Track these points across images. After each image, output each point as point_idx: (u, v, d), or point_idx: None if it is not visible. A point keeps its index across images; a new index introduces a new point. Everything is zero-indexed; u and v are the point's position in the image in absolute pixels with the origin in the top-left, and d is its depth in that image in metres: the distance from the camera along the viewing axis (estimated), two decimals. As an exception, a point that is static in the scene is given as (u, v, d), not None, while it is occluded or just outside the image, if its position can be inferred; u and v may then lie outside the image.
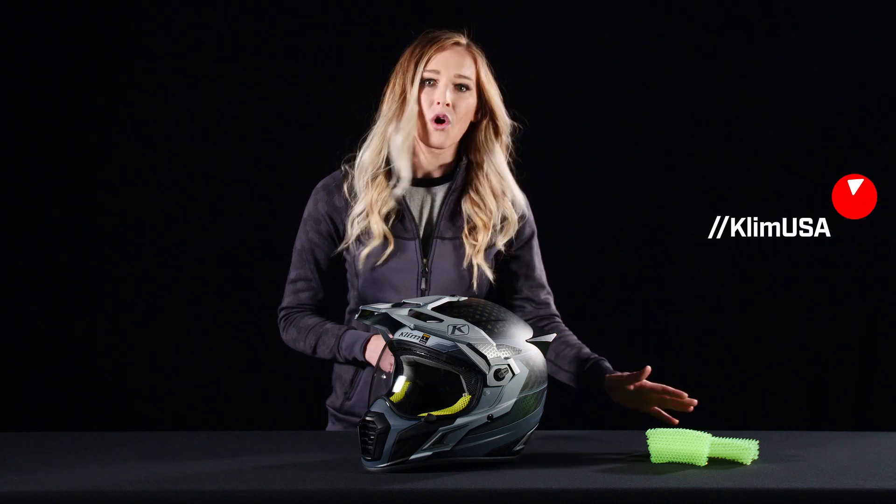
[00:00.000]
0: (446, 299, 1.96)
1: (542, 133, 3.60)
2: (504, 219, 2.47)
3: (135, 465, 1.94)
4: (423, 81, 2.40)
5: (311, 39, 3.65)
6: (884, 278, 3.68)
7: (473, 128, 2.46)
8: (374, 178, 2.43)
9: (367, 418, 1.87)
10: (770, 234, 3.70)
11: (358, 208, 2.43)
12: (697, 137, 3.69)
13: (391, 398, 1.90)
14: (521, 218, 2.50)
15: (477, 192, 2.46)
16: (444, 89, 2.40)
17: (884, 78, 3.66)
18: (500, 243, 2.47)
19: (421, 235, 2.45)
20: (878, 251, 3.68)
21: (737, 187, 3.71)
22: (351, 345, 2.40)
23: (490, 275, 2.46)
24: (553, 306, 2.56)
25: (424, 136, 2.42)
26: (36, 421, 3.56)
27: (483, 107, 2.45)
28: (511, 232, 2.48)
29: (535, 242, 2.55)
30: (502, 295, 2.52)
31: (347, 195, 2.46)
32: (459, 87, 2.41)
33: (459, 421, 1.86)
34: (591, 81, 3.69)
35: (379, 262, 2.41)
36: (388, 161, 2.44)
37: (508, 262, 2.50)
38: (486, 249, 2.46)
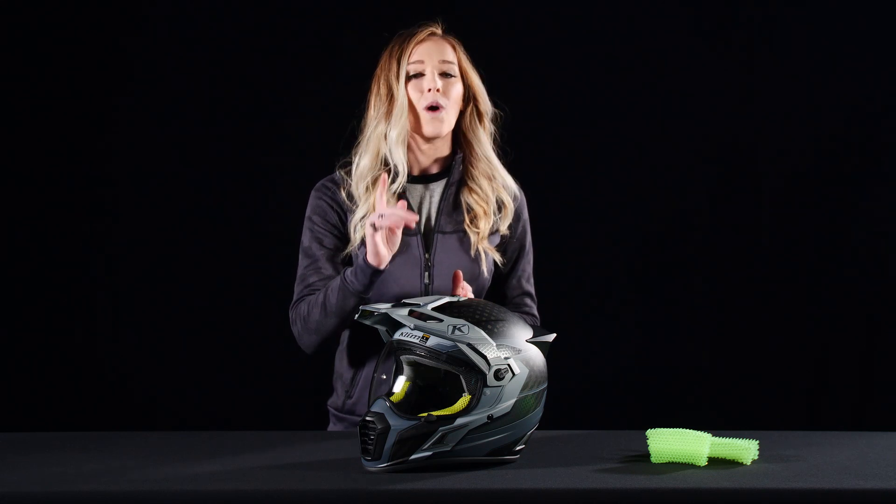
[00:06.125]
0: (446, 299, 1.96)
1: (542, 134, 3.63)
2: (501, 204, 2.48)
3: (135, 465, 1.94)
4: (408, 76, 2.42)
5: (310, 39, 3.66)
6: (884, 278, 3.68)
7: (460, 116, 2.47)
8: (374, 181, 2.44)
9: (367, 418, 1.87)
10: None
11: (360, 213, 2.43)
12: (698, 137, 3.69)
13: (391, 398, 1.90)
14: (515, 199, 2.51)
15: (473, 179, 2.47)
16: (432, 76, 2.41)
17: (884, 79, 3.66)
18: (503, 228, 2.49)
19: (422, 230, 2.45)
20: (879, 251, 3.68)
21: (737, 187, 3.71)
22: (354, 267, 2.32)
23: (498, 258, 2.47)
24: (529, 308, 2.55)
25: (419, 127, 2.42)
26: (36, 421, 3.56)
27: (466, 93, 2.47)
28: (510, 216, 2.49)
29: (527, 242, 2.55)
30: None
31: (347, 200, 2.46)
32: (445, 75, 2.42)
33: (459, 421, 1.86)
34: (591, 81, 3.69)
35: (384, 260, 2.41)
36: (385, 162, 2.44)
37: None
38: (489, 235, 2.47)
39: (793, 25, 3.67)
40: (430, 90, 2.40)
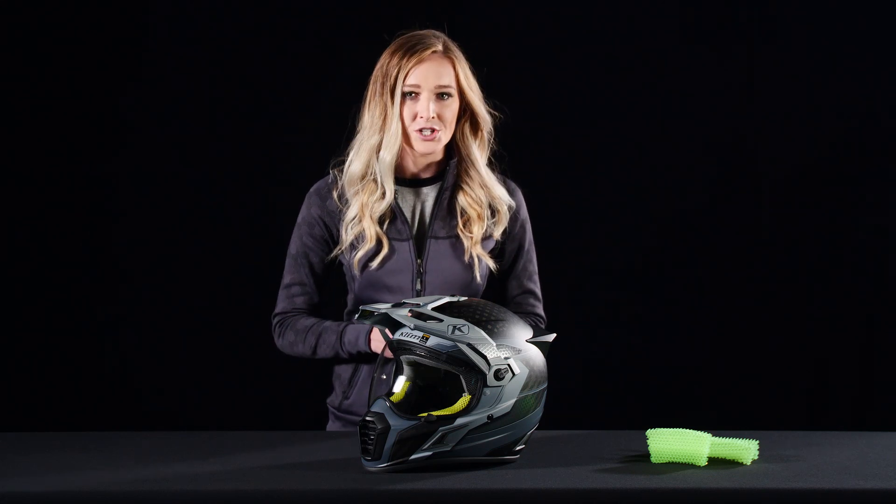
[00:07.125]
0: (446, 299, 1.96)
1: (542, 134, 3.63)
2: (494, 210, 2.47)
3: (135, 465, 1.94)
4: (403, 95, 2.40)
5: (308, 39, 3.65)
6: (884, 278, 3.68)
7: (455, 125, 2.46)
8: (364, 185, 2.43)
9: (367, 418, 1.87)
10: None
11: (350, 213, 2.43)
12: (698, 137, 3.69)
13: (391, 398, 1.90)
14: (510, 208, 2.50)
15: (468, 184, 2.46)
16: (426, 102, 2.38)
17: (884, 79, 3.66)
18: (497, 234, 2.48)
19: (414, 236, 2.45)
20: (878, 252, 3.68)
21: (737, 187, 3.71)
22: (354, 339, 2.39)
23: (491, 264, 2.46)
24: (534, 308, 2.55)
25: (411, 144, 2.41)
26: (36, 421, 3.56)
27: (463, 106, 2.45)
28: (504, 222, 2.48)
29: (527, 240, 2.54)
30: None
31: (338, 201, 2.45)
32: (441, 96, 2.40)
33: (459, 421, 1.86)
34: (591, 81, 3.69)
35: (374, 266, 2.41)
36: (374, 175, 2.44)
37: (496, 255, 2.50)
38: (483, 241, 2.46)
39: (793, 25, 3.67)
40: (422, 117, 2.39)
